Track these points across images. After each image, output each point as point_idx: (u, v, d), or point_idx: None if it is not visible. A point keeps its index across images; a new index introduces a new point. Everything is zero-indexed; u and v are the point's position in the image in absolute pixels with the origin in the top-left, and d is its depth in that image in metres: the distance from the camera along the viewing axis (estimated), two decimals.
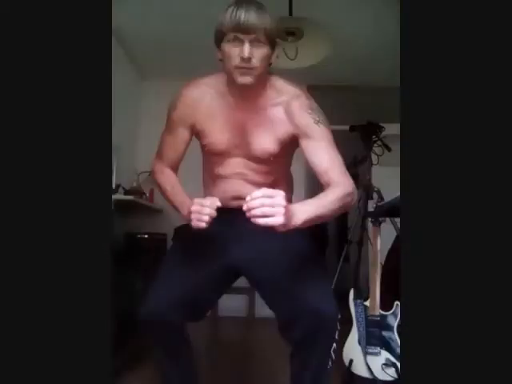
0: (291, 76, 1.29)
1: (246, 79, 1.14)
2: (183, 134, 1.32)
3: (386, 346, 1.83)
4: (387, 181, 2.45)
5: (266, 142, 1.24)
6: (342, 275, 2.49)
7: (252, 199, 0.91)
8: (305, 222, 1.00)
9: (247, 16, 1.09)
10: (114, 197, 2.69)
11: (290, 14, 2.56)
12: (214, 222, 1.08)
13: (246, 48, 1.10)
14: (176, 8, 2.89)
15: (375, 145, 2.41)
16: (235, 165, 1.29)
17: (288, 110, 1.21)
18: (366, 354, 1.85)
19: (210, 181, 1.39)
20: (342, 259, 2.43)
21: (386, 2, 2.63)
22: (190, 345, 1.29)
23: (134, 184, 3.59)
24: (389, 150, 2.41)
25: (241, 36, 1.10)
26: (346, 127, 2.53)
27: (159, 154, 1.37)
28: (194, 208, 1.09)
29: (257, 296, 4.01)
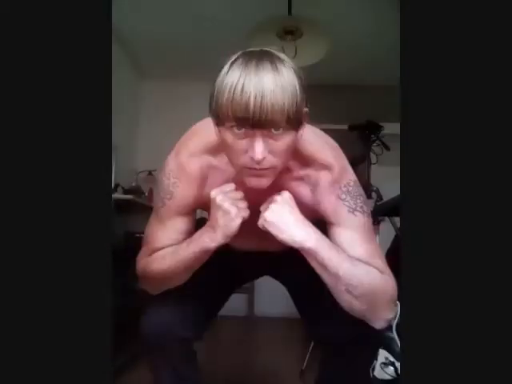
0: None
1: (260, 182, 0.80)
2: (182, 222, 0.94)
3: (385, 345, 1.83)
4: (386, 180, 2.46)
5: None
6: None
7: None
8: (310, 249, 0.81)
9: (260, 102, 0.70)
10: (113, 196, 2.69)
11: (289, 12, 2.56)
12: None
13: (259, 148, 0.74)
14: (176, 8, 2.89)
15: (374, 144, 2.41)
16: (252, 235, 0.92)
17: (315, 190, 0.90)
18: None
19: None
20: None
21: (386, 1, 2.63)
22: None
23: (133, 183, 3.60)
24: (387, 149, 2.41)
25: (250, 129, 0.74)
26: (345, 126, 2.54)
27: (145, 252, 0.98)
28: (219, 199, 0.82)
29: (256, 295, 4.01)
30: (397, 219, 2.23)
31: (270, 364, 2.25)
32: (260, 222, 0.84)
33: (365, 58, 3.46)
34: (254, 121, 0.71)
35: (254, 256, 1.00)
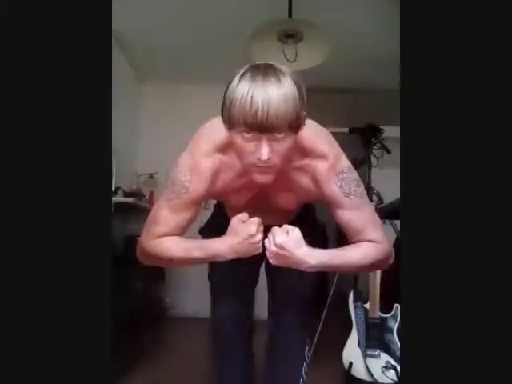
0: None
1: (266, 178, 0.94)
2: (191, 212, 1.07)
3: (386, 348, 1.83)
4: (386, 183, 2.45)
5: (289, 203, 1.13)
6: (342, 278, 2.49)
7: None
8: (316, 267, 0.99)
9: (267, 111, 0.81)
10: (114, 199, 2.69)
11: (290, 16, 2.57)
12: None
13: (265, 150, 0.86)
14: (176, 10, 2.90)
15: (375, 147, 2.40)
16: (258, 213, 1.10)
17: (314, 177, 1.04)
18: (365, 356, 1.84)
19: (230, 212, 1.23)
20: None
21: (386, 4, 2.64)
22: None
23: (134, 186, 3.60)
24: (388, 152, 2.41)
25: (257, 133, 0.85)
26: (346, 129, 2.54)
27: (150, 233, 1.06)
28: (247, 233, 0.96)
29: (257, 299, 3.99)
30: (397, 222, 2.22)
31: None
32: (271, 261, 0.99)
33: (365, 61, 3.46)
34: (261, 126, 0.83)
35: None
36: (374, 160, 2.40)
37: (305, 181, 1.05)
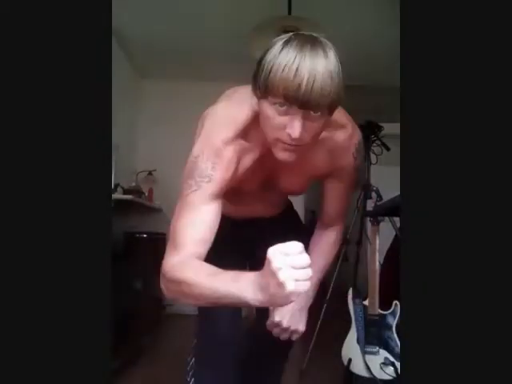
0: None
1: (288, 156, 0.86)
2: (214, 207, 0.92)
3: (385, 345, 1.84)
4: (386, 180, 2.46)
5: (297, 183, 1.08)
6: (341, 275, 2.49)
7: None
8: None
9: (311, 86, 0.75)
10: (113, 196, 2.69)
11: (289, 13, 2.57)
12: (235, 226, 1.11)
13: (298, 127, 0.79)
14: (176, 8, 2.89)
15: (374, 144, 2.41)
16: (258, 196, 1.10)
17: (332, 148, 0.99)
18: (364, 353, 1.85)
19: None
20: (340, 259, 2.43)
21: (386, 2, 2.63)
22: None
23: (133, 183, 3.60)
24: (387, 149, 2.41)
25: (294, 107, 0.79)
26: None
27: (174, 246, 0.91)
28: (283, 275, 0.64)
29: None
30: (397, 219, 2.23)
31: None
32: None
33: (365, 58, 3.46)
34: (302, 101, 0.76)
35: (247, 222, 1.18)
36: (373, 157, 2.40)
37: (319, 156, 0.99)
